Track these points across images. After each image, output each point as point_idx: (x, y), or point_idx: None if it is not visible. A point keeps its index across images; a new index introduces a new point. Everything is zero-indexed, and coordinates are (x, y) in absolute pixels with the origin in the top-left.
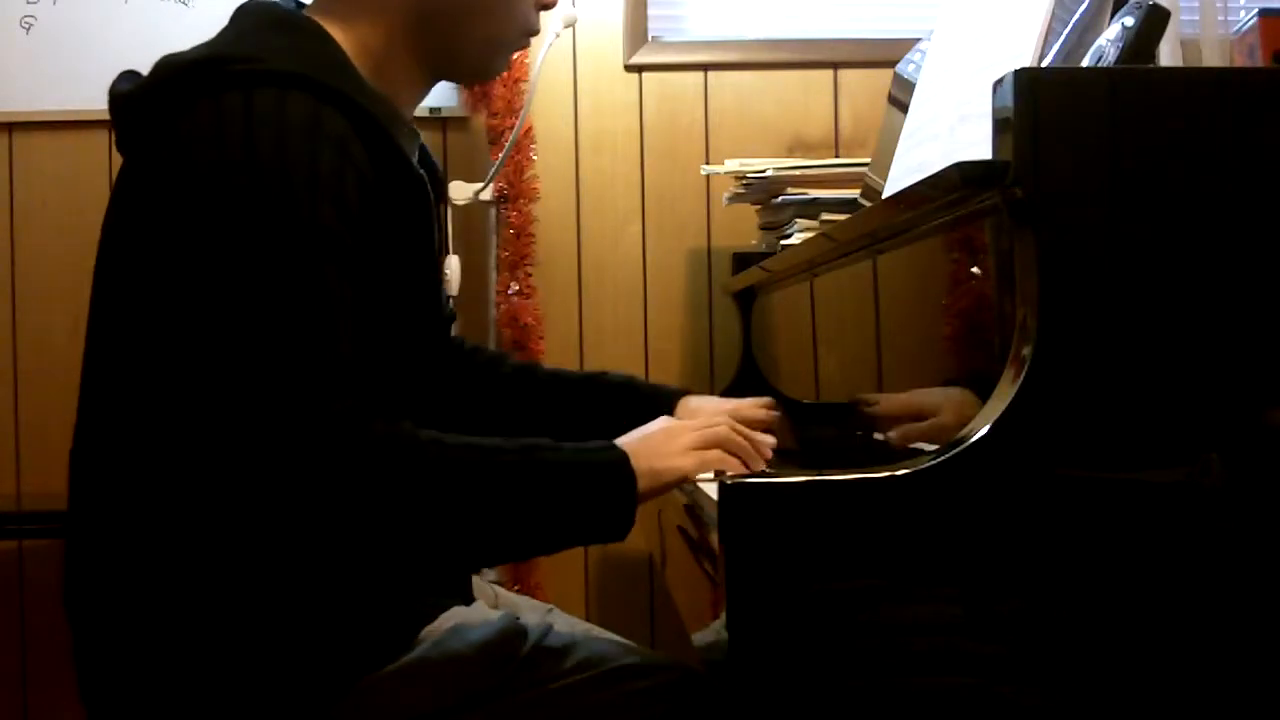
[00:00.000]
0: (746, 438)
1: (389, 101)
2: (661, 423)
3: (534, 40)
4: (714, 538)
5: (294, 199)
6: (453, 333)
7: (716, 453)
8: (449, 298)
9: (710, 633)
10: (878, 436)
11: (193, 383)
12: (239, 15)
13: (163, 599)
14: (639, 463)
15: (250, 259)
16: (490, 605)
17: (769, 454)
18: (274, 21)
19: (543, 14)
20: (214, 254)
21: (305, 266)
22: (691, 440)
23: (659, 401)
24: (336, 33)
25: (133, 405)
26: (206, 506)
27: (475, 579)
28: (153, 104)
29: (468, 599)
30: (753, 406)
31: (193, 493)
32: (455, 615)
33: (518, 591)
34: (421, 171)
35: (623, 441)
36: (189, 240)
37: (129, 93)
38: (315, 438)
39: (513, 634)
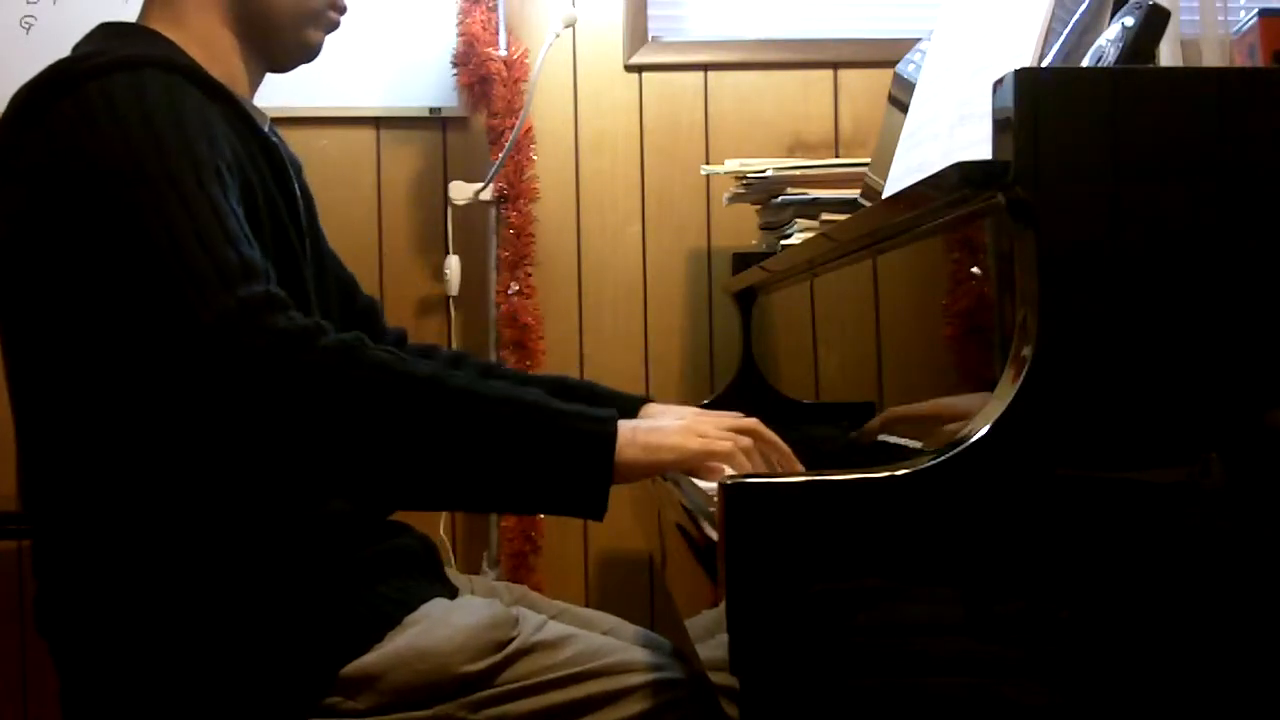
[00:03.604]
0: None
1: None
2: (691, 411)
3: (534, 40)
4: (715, 537)
5: (167, 149)
6: (388, 326)
7: (726, 448)
8: (352, 278)
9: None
10: (882, 438)
11: (114, 338)
12: (75, 46)
13: (133, 598)
14: (632, 434)
15: (135, 203)
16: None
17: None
18: (108, 34)
19: (542, 14)
20: (101, 218)
21: (190, 190)
22: (713, 424)
23: (610, 404)
24: (171, 34)
25: (66, 403)
26: (161, 477)
27: (475, 576)
28: (16, 127)
29: (451, 592)
30: (730, 418)
31: (146, 467)
32: (440, 604)
33: None
34: (275, 141)
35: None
36: (76, 219)
37: None
38: (232, 322)
39: (502, 622)
